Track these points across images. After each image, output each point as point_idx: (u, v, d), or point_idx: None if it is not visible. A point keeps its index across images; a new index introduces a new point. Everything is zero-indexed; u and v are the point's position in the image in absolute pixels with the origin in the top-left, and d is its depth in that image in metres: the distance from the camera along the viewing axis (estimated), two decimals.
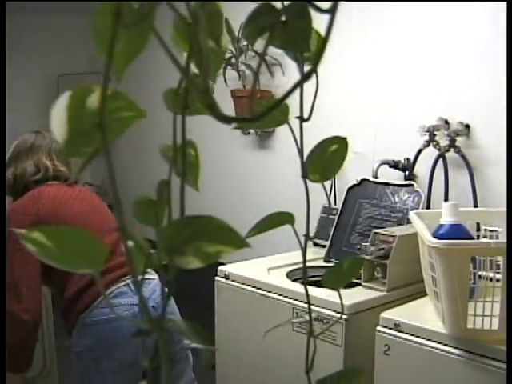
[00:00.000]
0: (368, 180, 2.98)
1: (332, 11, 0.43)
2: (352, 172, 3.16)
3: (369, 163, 3.09)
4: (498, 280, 1.86)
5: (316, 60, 0.44)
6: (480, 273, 1.95)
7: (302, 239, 0.70)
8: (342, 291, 2.33)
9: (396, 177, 3.00)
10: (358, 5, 3.09)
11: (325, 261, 2.96)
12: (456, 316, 1.85)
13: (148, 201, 0.50)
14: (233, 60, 3.79)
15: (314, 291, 2.49)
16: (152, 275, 2.36)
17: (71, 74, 5.69)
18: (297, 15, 0.51)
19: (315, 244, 3.13)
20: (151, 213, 0.50)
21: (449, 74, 2.88)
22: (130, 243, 0.52)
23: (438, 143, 2.81)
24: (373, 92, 3.15)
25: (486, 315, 1.83)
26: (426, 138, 2.85)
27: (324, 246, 3.03)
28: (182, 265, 0.45)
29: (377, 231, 2.47)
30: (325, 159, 0.70)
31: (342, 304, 0.71)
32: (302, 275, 0.85)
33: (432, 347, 1.96)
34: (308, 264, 2.73)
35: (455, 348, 1.90)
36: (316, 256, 2.99)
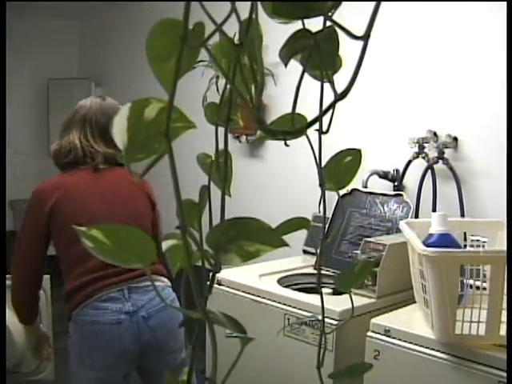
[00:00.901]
0: (358, 190, 3.04)
1: (365, 38, 0.49)
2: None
3: (359, 173, 3.15)
4: (484, 288, 1.93)
5: (351, 83, 0.50)
6: (466, 281, 2.01)
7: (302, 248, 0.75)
8: (333, 298, 2.39)
9: (385, 187, 3.07)
10: (344, 18, 3.16)
11: (315, 268, 3.02)
12: (445, 322, 1.91)
13: (191, 203, 0.55)
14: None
15: (305, 297, 2.55)
16: (159, 281, 2.41)
17: (61, 78, 5.72)
18: (327, 39, 0.57)
19: (305, 252, 3.19)
20: (194, 214, 0.55)
21: (438, 88, 2.96)
22: (171, 242, 0.57)
23: (426, 155, 2.89)
24: (363, 104, 3.22)
25: (474, 321, 1.89)
26: (416, 149, 2.92)
27: (314, 254, 3.09)
28: (225, 262, 0.50)
29: (367, 240, 2.53)
30: (340, 169, 0.76)
31: (352, 307, 0.76)
32: (316, 280, 0.90)
33: (421, 352, 2.02)
34: (298, 271, 2.80)
35: (443, 353, 1.96)
36: (306, 264, 3.05)
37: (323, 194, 0.74)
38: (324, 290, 2.76)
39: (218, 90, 3.83)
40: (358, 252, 2.48)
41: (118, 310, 2.29)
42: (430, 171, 2.88)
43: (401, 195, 2.89)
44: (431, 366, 1.98)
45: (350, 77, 0.51)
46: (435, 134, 2.90)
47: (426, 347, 2.02)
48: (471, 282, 2.00)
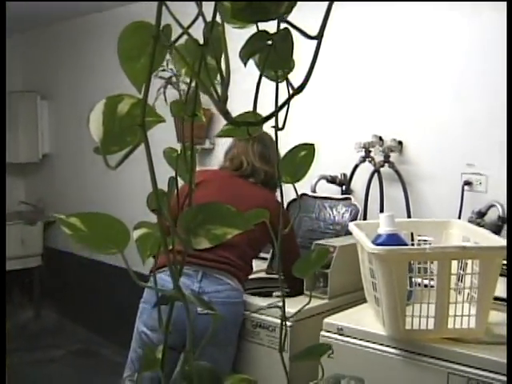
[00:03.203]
0: (307, 195, 3.11)
1: (319, 37, 0.54)
2: (290, 187, 3.29)
3: (307, 178, 3.22)
4: (432, 286, 2.01)
5: (306, 78, 0.55)
6: (414, 278, 2.09)
7: None
8: (286, 300, 2.44)
9: (333, 191, 3.15)
10: (298, 20, 3.23)
11: (267, 273, 3.07)
12: (395, 318, 1.98)
13: (161, 193, 0.59)
14: (173, 79, 3.88)
15: (258, 300, 2.60)
16: (231, 281, 2.55)
17: (7, 92, 5.64)
18: (282, 39, 0.61)
19: (256, 257, 3.23)
20: (163, 202, 0.59)
21: (383, 93, 3.05)
22: (141, 231, 0.60)
23: (373, 159, 2.98)
24: (310, 109, 3.29)
25: (423, 316, 1.96)
26: (362, 154, 3.01)
27: (265, 259, 3.14)
28: (195, 244, 0.54)
29: (318, 242, 2.59)
30: (295, 163, 0.81)
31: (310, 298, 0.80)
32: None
33: (373, 349, 2.08)
34: (250, 276, 2.82)
35: (395, 348, 2.03)
36: (258, 268, 3.10)
37: (280, 187, 0.79)
38: (275, 293, 2.82)
39: (165, 100, 3.86)
40: None
41: (185, 285, 2.48)
42: (376, 175, 2.97)
43: (349, 199, 2.97)
44: (384, 361, 2.05)
45: (305, 73, 0.56)
46: (381, 138, 2.99)
47: (378, 343, 2.08)
48: (419, 279, 2.08)
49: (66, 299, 5.67)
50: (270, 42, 0.61)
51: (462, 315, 1.98)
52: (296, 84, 0.70)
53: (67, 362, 4.82)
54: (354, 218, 2.88)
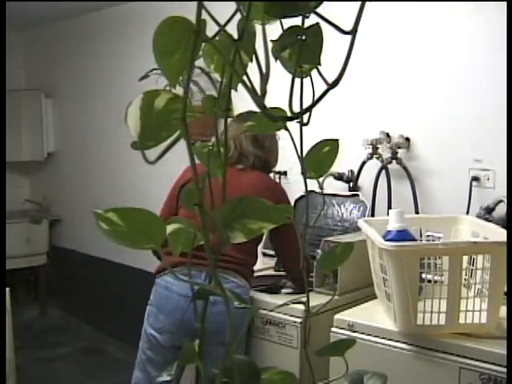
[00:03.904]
0: (315, 192, 3.10)
1: (353, 32, 0.54)
2: (299, 184, 3.30)
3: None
4: (441, 282, 2.01)
5: (341, 73, 0.55)
6: (426, 274, 2.09)
7: None
8: (295, 297, 2.44)
9: (341, 188, 3.15)
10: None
11: (275, 270, 3.08)
12: (407, 314, 1.98)
13: (194, 189, 0.59)
14: None
15: (267, 298, 2.61)
16: (236, 279, 2.53)
17: (9, 90, 5.64)
18: (314, 34, 0.62)
19: (264, 254, 3.24)
20: (194, 198, 0.59)
21: (390, 90, 3.05)
22: (174, 226, 0.61)
23: (380, 155, 2.98)
24: (317, 107, 3.28)
25: (434, 312, 1.96)
26: (369, 150, 3.01)
27: (273, 256, 3.14)
28: (232, 239, 0.55)
29: (327, 239, 2.59)
30: (319, 159, 0.81)
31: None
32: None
33: (385, 344, 2.09)
34: (259, 274, 2.84)
35: (406, 344, 2.04)
36: (266, 266, 3.10)
37: (305, 183, 0.79)
38: (284, 291, 2.83)
39: None
40: (319, 251, 2.54)
41: (190, 286, 2.41)
42: (384, 171, 2.97)
43: (357, 195, 2.97)
44: (395, 357, 2.05)
45: (340, 68, 0.56)
46: (388, 135, 2.99)
47: (390, 339, 2.09)
48: (428, 275, 2.08)
49: (72, 297, 5.68)
50: (301, 37, 0.61)
51: (474, 310, 1.98)
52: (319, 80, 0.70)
53: (73, 359, 4.83)
54: (362, 215, 2.89)
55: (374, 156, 3.00)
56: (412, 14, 2.96)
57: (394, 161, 2.95)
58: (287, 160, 3.46)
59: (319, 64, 0.65)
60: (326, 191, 3.11)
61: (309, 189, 2.77)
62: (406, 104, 3.00)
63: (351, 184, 3.14)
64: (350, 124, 3.21)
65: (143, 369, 2.62)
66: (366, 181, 3.11)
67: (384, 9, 3.04)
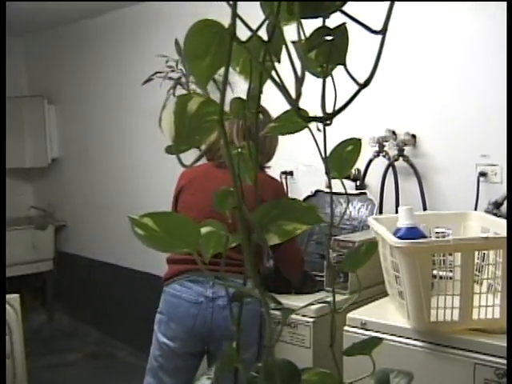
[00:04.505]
0: (322, 191, 3.11)
1: (383, 32, 0.54)
2: (305, 184, 3.31)
3: (321, 175, 3.22)
4: (451, 278, 2.01)
5: (372, 73, 0.55)
6: (438, 271, 2.09)
7: None
8: (307, 296, 2.45)
9: (348, 187, 3.15)
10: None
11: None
12: (420, 310, 1.98)
13: (227, 191, 0.59)
14: (182, 79, 3.89)
15: (281, 299, 2.60)
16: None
17: (12, 97, 5.65)
18: (341, 34, 0.62)
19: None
20: (228, 201, 0.59)
21: (395, 88, 3.05)
22: (207, 229, 0.61)
23: (387, 153, 2.98)
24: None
25: (448, 308, 1.97)
26: (376, 148, 3.01)
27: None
28: (268, 241, 0.55)
29: (337, 238, 2.59)
30: (342, 158, 0.81)
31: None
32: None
33: (399, 342, 2.09)
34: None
35: (420, 341, 2.04)
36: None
37: (329, 183, 0.79)
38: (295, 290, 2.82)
39: None
40: (330, 250, 2.54)
41: (199, 292, 2.51)
42: (391, 169, 2.97)
43: (364, 193, 2.97)
44: (409, 354, 2.05)
45: (371, 68, 0.57)
46: (394, 132, 2.99)
47: (403, 337, 2.09)
48: (440, 272, 2.08)
49: (79, 302, 5.69)
50: (329, 38, 0.61)
51: (487, 306, 1.98)
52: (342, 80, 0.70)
53: (82, 364, 4.83)
54: (370, 213, 2.89)
55: (381, 154, 3.00)
56: (417, 12, 2.96)
57: (400, 158, 2.95)
58: (293, 160, 3.47)
59: (345, 64, 0.65)
60: (333, 190, 3.10)
61: (316, 188, 2.76)
62: (411, 101, 3.00)
63: (358, 182, 3.14)
64: (356, 122, 3.20)
65: (155, 375, 2.63)
66: (372, 179, 3.11)
67: (382, 6, 3.04)
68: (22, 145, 5.68)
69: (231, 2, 0.50)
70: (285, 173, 3.50)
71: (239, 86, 3.21)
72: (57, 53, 5.65)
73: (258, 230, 0.55)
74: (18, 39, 5.86)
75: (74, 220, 5.72)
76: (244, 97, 0.66)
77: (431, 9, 2.90)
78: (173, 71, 3.90)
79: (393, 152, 2.98)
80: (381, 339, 0.81)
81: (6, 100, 5.49)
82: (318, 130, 0.68)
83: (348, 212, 2.98)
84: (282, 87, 0.54)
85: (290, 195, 3.36)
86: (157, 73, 3.94)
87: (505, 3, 2.58)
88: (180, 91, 3.90)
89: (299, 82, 0.54)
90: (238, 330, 0.59)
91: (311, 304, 0.94)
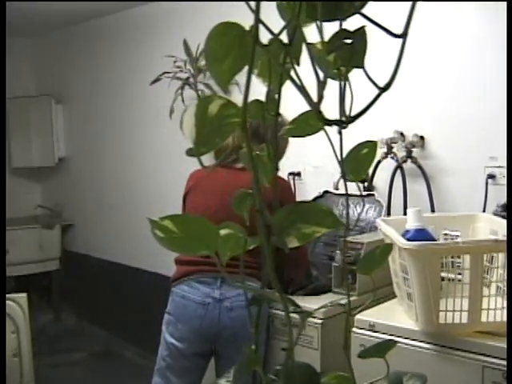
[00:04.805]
0: (330, 192, 3.11)
1: (404, 36, 0.54)
2: (313, 185, 3.31)
3: (329, 176, 3.23)
4: (459, 280, 2.01)
5: (393, 76, 0.55)
6: (448, 273, 2.09)
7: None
8: (312, 298, 2.45)
9: (355, 188, 3.14)
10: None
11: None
12: (429, 313, 1.98)
13: (246, 194, 0.59)
14: (190, 80, 3.89)
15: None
16: (252, 283, 2.49)
17: (20, 96, 5.67)
18: (360, 37, 0.62)
19: None
20: (246, 203, 0.60)
21: (403, 89, 3.04)
22: (225, 231, 0.61)
23: (395, 155, 2.97)
24: (331, 107, 3.29)
25: (457, 310, 1.96)
26: (384, 150, 3.00)
27: None
28: (288, 244, 0.55)
29: (345, 239, 2.59)
30: (357, 161, 0.81)
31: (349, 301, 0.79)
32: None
33: (407, 344, 2.08)
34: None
35: (428, 343, 2.04)
36: None
37: (345, 186, 0.79)
38: (301, 291, 2.82)
39: (183, 101, 3.87)
40: (338, 252, 2.54)
41: (206, 293, 2.53)
42: (399, 170, 2.97)
43: (372, 195, 2.97)
44: (418, 356, 2.05)
45: (392, 71, 0.57)
46: (402, 134, 2.99)
47: (411, 339, 2.08)
48: (447, 273, 2.07)
49: (85, 302, 5.70)
50: (348, 41, 0.61)
51: (495, 308, 1.98)
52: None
53: (89, 364, 4.84)
54: (378, 214, 2.88)
55: (389, 155, 3.00)
56: (424, 12, 2.96)
57: (408, 160, 2.95)
58: (301, 161, 3.47)
59: (363, 67, 0.65)
60: (341, 191, 3.11)
61: (324, 189, 2.76)
62: (419, 103, 3.00)
63: (365, 184, 3.14)
64: (365, 124, 3.20)
65: (163, 375, 2.64)
66: (380, 180, 3.11)
67: (396, 8, 3.03)
68: (29, 144, 5.69)
69: (254, 7, 0.50)
70: (292, 173, 3.50)
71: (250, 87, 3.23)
72: (64, 53, 5.66)
73: (278, 233, 0.55)
74: (27, 39, 5.88)
75: (81, 219, 5.73)
76: (254, 98, 0.66)
77: (439, 9, 2.90)
78: (181, 71, 3.91)
79: (401, 153, 2.97)
80: (395, 342, 0.81)
81: (5, 100, 5.51)
82: (339, 133, 0.68)
83: (356, 213, 2.98)
84: (302, 90, 0.54)
85: (297, 196, 3.36)
86: (165, 73, 3.95)
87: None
88: (188, 91, 3.90)
89: (321, 85, 0.54)
90: (257, 333, 0.59)
91: (325, 306, 0.94)
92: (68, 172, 5.83)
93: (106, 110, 5.25)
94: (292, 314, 2.51)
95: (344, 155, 0.87)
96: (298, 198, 3.35)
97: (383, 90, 0.59)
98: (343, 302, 0.82)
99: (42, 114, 5.68)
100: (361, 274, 2.49)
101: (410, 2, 0.56)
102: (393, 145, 2.99)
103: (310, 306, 2.40)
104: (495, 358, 1.90)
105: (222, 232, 0.62)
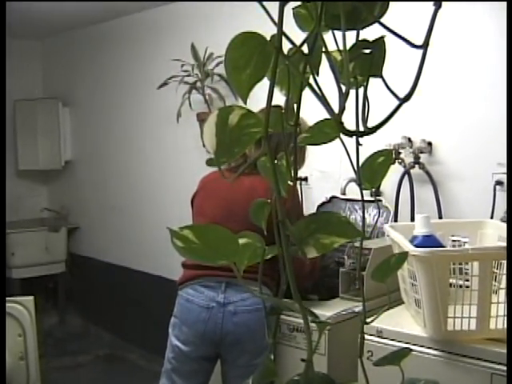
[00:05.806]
0: (337, 197, 3.11)
1: (425, 46, 0.54)
2: (320, 190, 3.31)
3: (336, 181, 3.23)
4: (467, 286, 2.00)
5: (413, 87, 0.55)
6: (457, 280, 2.08)
7: None
8: (322, 303, 2.44)
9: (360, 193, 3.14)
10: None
11: None
12: (437, 319, 1.98)
13: (263, 203, 0.59)
14: (198, 84, 3.89)
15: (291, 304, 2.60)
16: (256, 287, 2.44)
17: (27, 99, 5.68)
18: (379, 47, 0.62)
19: None
20: (263, 212, 0.60)
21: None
22: (243, 240, 0.61)
23: (403, 160, 2.97)
24: (344, 114, 3.29)
25: (465, 317, 1.96)
26: (392, 155, 3.00)
27: None
28: (307, 254, 0.55)
29: (352, 245, 2.59)
30: (373, 169, 0.81)
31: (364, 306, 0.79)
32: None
33: (414, 351, 2.07)
34: None
35: (436, 350, 2.03)
36: None
37: (361, 194, 0.79)
38: (311, 296, 2.82)
39: (190, 105, 3.88)
40: (345, 257, 2.54)
41: (210, 297, 2.55)
42: (406, 176, 2.97)
43: (380, 200, 2.97)
44: (425, 363, 2.04)
45: (412, 82, 0.57)
46: (410, 139, 2.99)
47: (419, 345, 2.08)
48: (455, 280, 2.07)
49: (91, 304, 5.70)
50: (367, 51, 0.61)
51: (504, 315, 1.97)
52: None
53: (95, 367, 4.84)
54: (385, 220, 2.88)
55: (397, 161, 3.00)
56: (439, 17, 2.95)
57: (416, 165, 2.95)
58: (308, 166, 3.47)
59: (381, 76, 0.65)
60: (348, 197, 3.11)
61: (331, 194, 2.75)
62: (427, 108, 3.00)
63: (373, 189, 3.13)
64: None
65: (169, 378, 2.66)
66: (388, 186, 3.10)
67: (403, 12, 3.03)
68: (35, 147, 5.71)
69: (277, 20, 0.50)
70: (299, 178, 3.50)
71: (258, 94, 3.25)
72: (72, 55, 5.67)
73: (297, 243, 0.55)
74: (34, 42, 5.89)
75: (87, 222, 5.74)
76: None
77: (447, 15, 2.90)
78: (188, 75, 3.91)
79: (409, 159, 2.97)
80: (410, 350, 0.81)
81: (5, 100, 5.52)
82: (360, 144, 0.68)
83: (370, 219, 2.98)
84: (323, 100, 0.54)
85: (304, 201, 3.36)
86: (172, 77, 3.95)
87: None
88: (195, 96, 3.90)
89: (343, 96, 0.54)
90: (274, 344, 0.59)
91: (341, 314, 0.94)
92: (74, 175, 5.84)
93: (112, 114, 5.26)
94: (297, 320, 2.52)
95: (354, 161, 0.87)
96: (305, 203, 3.35)
97: (404, 100, 0.60)
98: (357, 309, 0.82)
99: (49, 116, 5.69)
100: (368, 280, 2.50)
101: (430, 12, 0.55)
102: (400, 150, 2.99)
103: (322, 312, 2.40)
104: (504, 365, 1.89)
105: (241, 241, 0.62)
